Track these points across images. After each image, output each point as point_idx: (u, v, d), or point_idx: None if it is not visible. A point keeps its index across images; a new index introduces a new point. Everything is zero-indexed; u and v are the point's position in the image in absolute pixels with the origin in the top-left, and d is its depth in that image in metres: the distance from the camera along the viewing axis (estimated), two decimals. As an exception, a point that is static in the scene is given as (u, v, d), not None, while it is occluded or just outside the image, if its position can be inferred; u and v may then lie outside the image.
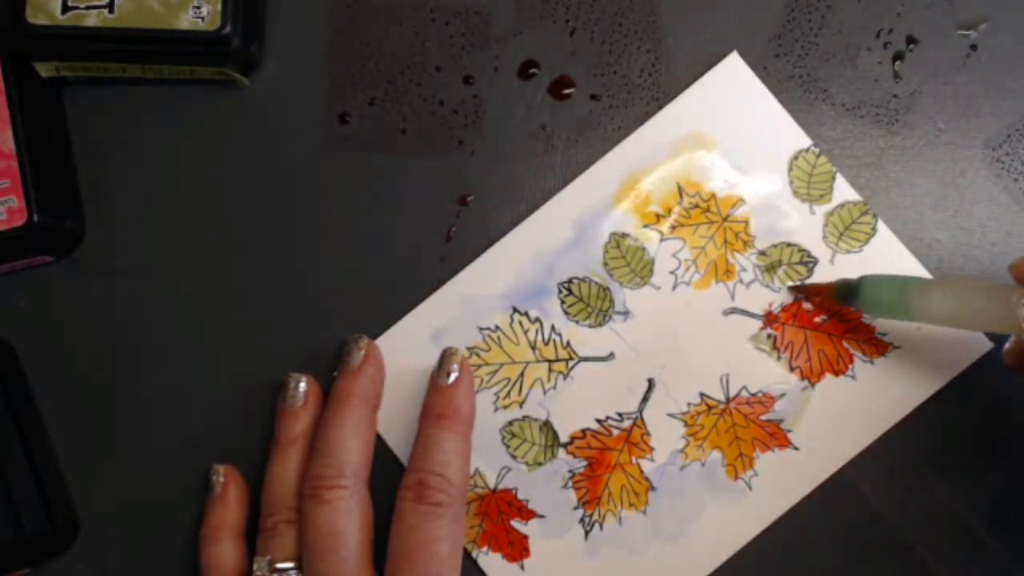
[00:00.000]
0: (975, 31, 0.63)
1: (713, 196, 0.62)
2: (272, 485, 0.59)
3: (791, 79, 0.63)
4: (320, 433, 0.59)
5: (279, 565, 0.58)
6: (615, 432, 0.62)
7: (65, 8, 0.58)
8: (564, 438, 0.62)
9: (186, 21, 0.59)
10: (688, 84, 0.63)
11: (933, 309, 0.55)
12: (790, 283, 0.62)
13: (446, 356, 0.61)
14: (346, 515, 0.57)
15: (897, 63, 0.63)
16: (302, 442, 0.60)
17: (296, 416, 0.60)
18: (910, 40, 0.63)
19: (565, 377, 0.62)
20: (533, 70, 0.64)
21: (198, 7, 0.59)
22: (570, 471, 0.62)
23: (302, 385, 0.61)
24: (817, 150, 0.62)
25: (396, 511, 0.58)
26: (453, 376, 0.60)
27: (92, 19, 0.58)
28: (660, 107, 0.63)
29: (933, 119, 0.63)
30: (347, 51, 0.64)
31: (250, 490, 0.61)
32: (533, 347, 0.62)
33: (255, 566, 0.58)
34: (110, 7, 0.59)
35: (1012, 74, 0.63)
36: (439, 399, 0.60)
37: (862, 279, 0.58)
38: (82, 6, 0.58)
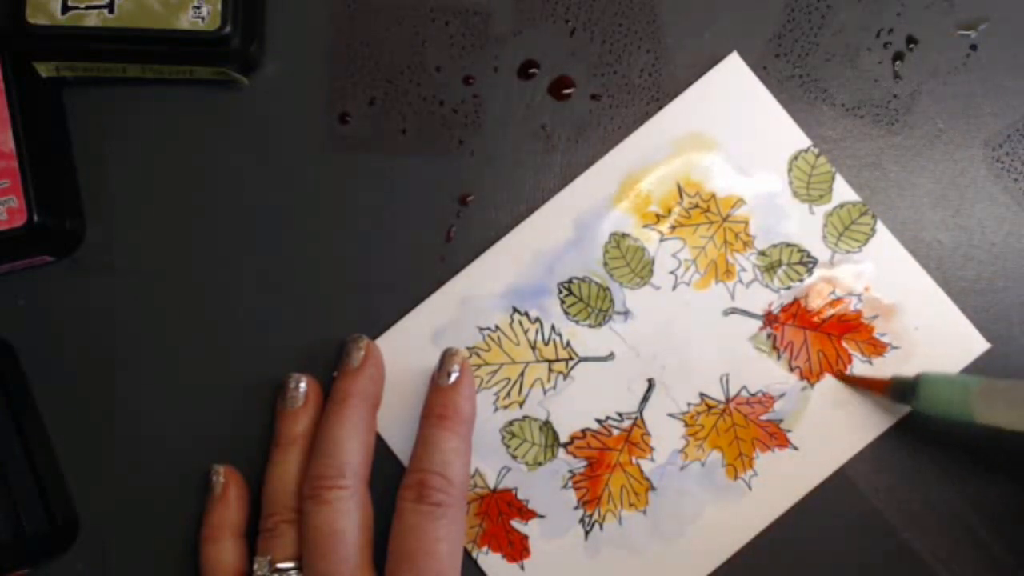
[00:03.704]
0: (975, 31, 0.63)
1: (713, 196, 0.62)
2: (272, 485, 0.59)
3: (791, 79, 0.63)
4: (320, 433, 0.59)
5: (279, 565, 0.58)
6: (615, 432, 0.62)
7: (65, 8, 0.58)
8: (564, 438, 0.62)
9: (186, 21, 0.59)
10: (688, 84, 0.63)
11: (1000, 413, 0.54)
12: (844, 374, 0.62)
13: (447, 356, 0.61)
14: (346, 515, 0.57)
15: (897, 63, 0.63)
16: (302, 442, 0.60)
17: (296, 416, 0.60)
18: (910, 40, 0.63)
19: (565, 377, 0.62)
20: (533, 70, 0.64)
21: (198, 7, 0.59)
22: (570, 471, 0.62)
23: (302, 385, 0.61)
24: (816, 150, 0.62)
25: (396, 511, 0.58)
26: (454, 376, 0.60)
27: (92, 19, 0.58)
28: (660, 107, 0.63)
29: (933, 119, 0.63)
30: (347, 51, 0.64)
31: (250, 490, 0.61)
32: (533, 347, 0.62)
33: (255, 566, 0.58)
34: (110, 7, 0.59)
35: (1012, 74, 0.63)
36: (440, 399, 0.60)
37: (920, 378, 0.58)
38: (82, 6, 0.58)
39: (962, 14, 0.63)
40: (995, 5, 0.63)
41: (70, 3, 0.59)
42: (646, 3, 0.64)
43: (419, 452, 0.59)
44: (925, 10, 0.63)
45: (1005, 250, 0.62)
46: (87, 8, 0.59)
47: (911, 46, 0.63)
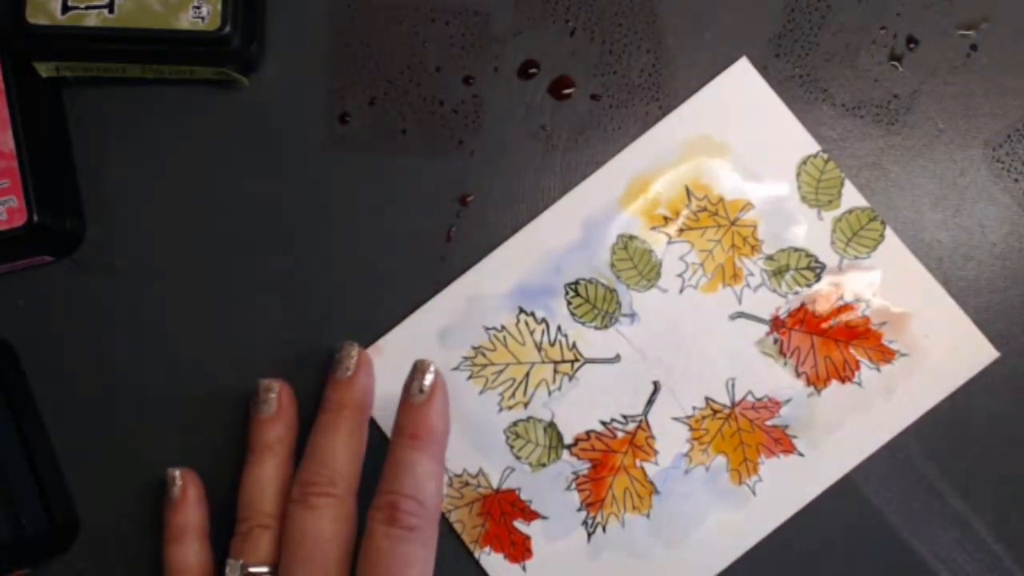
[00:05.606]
0: (975, 31, 0.63)
1: (721, 200, 0.62)
2: (247, 490, 0.59)
3: (791, 79, 0.63)
4: (314, 441, 0.59)
5: (252, 569, 0.57)
6: (619, 434, 0.62)
7: (65, 8, 0.58)
8: (568, 439, 0.62)
9: (186, 21, 0.58)
10: (688, 84, 0.63)
11: None
12: None
13: (417, 370, 0.59)
14: (332, 523, 0.57)
15: (897, 63, 0.63)
16: (278, 448, 0.60)
17: (271, 424, 0.60)
18: (910, 40, 0.63)
19: (570, 378, 0.62)
20: (533, 70, 0.64)
21: (198, 7, 0.58)
22: (574, 473, 0.62)
23: (272, 394, 0.60)
24: (826, 156, 0.62)
25: (367, 532, 0.56)
26: (426, 393, 0.58)
27: (92, 19, 0.58)
28: (660, 107, 0.63)
29: (933, 119, 0.63)
30: (347, 51, 0.64)
31: (209, 492, 0.61)
32: (539, 348, 0.62)
33: (227, 570, 0.58)
34: (110, 7, 0.58)
35: (1012, 74, 0.63)
36: (412, 418, 0.58)
37: None
38: (82, 6, 0.58)
39: (962, 14, 0.64)
40: (995, 5, 0.64)
41: (70, 3, 0.58)
42: (646, 3, 0.64)
43: (391, 473, 0.57)
44: (925, 10, 0.64)
45: (1005, 250, 0.63)
46: (87, 8, 0.58)
47: (911, 46, 0.63)
